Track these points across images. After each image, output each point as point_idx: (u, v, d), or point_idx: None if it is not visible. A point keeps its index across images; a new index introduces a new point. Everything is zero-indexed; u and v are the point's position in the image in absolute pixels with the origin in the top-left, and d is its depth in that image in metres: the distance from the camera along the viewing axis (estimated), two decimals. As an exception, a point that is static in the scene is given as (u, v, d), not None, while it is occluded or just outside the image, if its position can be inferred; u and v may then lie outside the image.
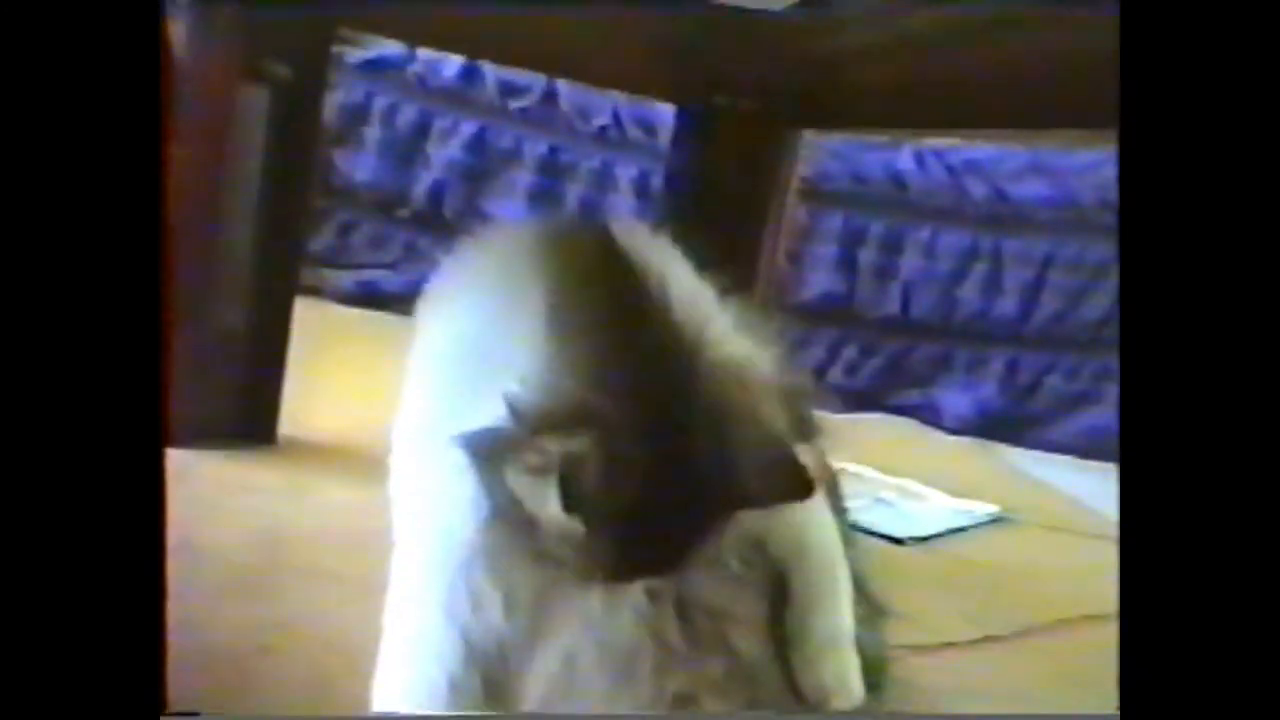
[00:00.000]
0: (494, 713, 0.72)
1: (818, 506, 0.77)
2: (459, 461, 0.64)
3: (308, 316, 1.62)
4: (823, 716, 0.81)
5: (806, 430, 0.85)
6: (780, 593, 0.77)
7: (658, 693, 0.72)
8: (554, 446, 0.60)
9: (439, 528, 0.71)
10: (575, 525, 0.61)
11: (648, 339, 0.65)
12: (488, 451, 0.63)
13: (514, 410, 0.63)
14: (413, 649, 0.72)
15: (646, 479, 0.62)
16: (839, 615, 0.78)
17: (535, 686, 0.72)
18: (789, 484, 0.66)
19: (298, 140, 1.53)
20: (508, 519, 0.64)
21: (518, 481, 0.61)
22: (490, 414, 0.63)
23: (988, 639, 1.26)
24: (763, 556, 0.73)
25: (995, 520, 1.84)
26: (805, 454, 0.72)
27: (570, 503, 0.60)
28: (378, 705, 0.73)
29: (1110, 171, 2.59)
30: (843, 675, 0.77)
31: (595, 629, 0.70)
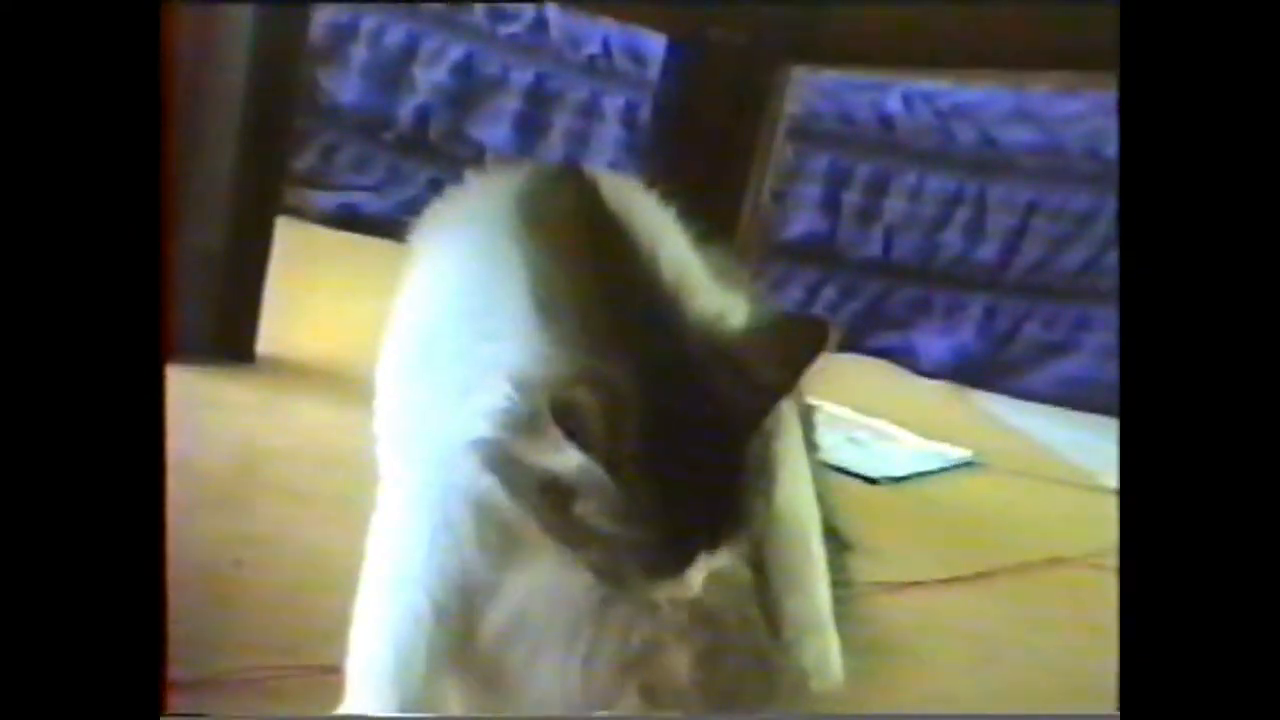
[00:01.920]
0: (493, 715, 0.73)
1: (791, 477, 0.76)
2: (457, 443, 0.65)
3: (289, 236, 1.61)
4: (819, 716, 0.82)
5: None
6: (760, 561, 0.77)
7: (623, 641, 0.73)
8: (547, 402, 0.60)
9: (428, 466, 0.72)
10: (606, 482, 0.61)
11: (634, 303, 0.65)
12: (503, 448, 0.63)
13: (519, 386, 0.63)
14: (397, 575, 0.73)
15: (657, 417, 0.62)
16: (815, 595, 0.77)
17: (498, 620, 0.73)
18: (808, 338, 0.65)
19: (282, 58, 1.51)
20: (542, 514, 0.64)
21: (539, 455, 0.62)
22: (490, 389, 0.63)
23: (953, 579, 1.28)
24: None
25: (966, 464, 1.85)
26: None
27: (587, 444, 0.59)
28: (358, 631, 0.74)
29: (1097, 121, 2.59)
30: (822, 658, 0.76)
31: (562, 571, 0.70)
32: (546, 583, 0.73)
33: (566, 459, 0.61)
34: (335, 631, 0.74)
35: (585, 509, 0.63)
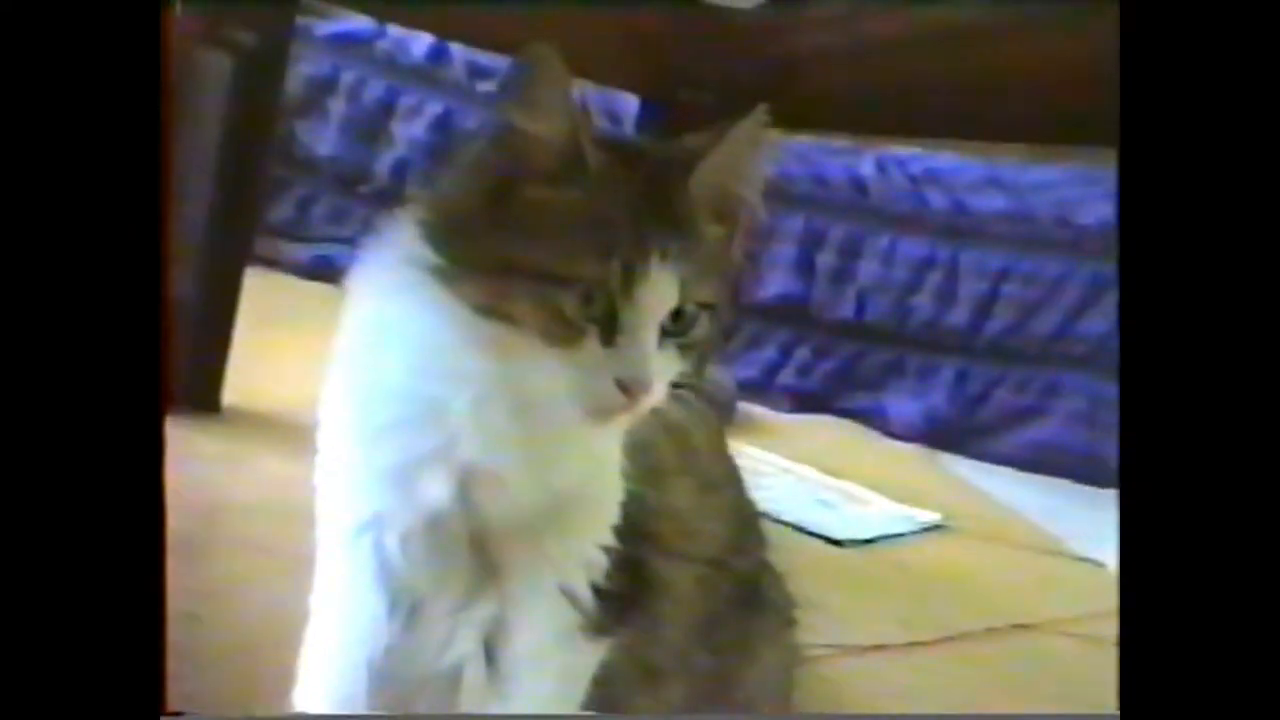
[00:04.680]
0: (490, 714, 0.72)
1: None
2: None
3: (262, 287, 1.60)
4: (819, 716, 0.81)
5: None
6: None
7: None
8: None
9: (342, 501, 0.72)
10: (569, 143, 0.67)
11: None
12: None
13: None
14: (331, 636, 0.73)
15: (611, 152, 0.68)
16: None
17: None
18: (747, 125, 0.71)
19: (258, 109, 1.51)
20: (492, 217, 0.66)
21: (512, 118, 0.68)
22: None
23: (916, 644, 1.27)
24: None
25: (935, 528, 1.85)
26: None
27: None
28: (302, 678, 0.73)
29: (1067, 189, 2.62)
30: None
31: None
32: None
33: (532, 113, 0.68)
34: (287, 687, 0.73)
35: (540, 188, 0.67)
